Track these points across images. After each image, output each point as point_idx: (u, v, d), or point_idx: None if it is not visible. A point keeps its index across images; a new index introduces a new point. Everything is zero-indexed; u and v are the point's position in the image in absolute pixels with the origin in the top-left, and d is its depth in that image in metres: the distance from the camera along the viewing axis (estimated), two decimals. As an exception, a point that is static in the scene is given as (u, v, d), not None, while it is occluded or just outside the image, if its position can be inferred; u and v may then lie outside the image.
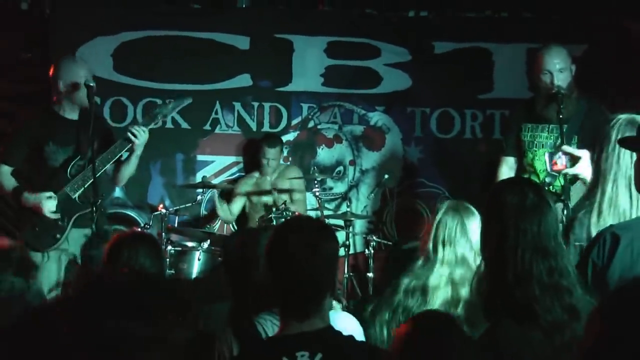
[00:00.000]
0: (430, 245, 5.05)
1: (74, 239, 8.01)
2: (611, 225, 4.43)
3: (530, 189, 3.94)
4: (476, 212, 5.07)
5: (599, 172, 4.75)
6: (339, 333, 3.78)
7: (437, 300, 4.86)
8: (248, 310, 4.88)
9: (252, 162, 10.95)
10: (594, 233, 4.58)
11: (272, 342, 3.89)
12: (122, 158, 8.21)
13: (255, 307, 4.68)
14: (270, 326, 4.33)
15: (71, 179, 8.01)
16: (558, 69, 7.71)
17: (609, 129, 4.78)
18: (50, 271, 7.70)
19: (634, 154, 4.51)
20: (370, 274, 9.74)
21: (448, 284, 4.87)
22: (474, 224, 4.97)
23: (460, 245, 4.99)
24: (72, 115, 8.19)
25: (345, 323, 4.32)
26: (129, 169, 8.34)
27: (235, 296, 5.36)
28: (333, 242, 3.85)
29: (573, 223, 4.82)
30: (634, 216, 4.66)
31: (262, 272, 5.22)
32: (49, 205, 7.85)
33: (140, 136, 8.00)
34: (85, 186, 7.95)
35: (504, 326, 3.72)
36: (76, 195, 7.99)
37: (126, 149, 8.12)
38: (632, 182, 4.59)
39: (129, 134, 8.02)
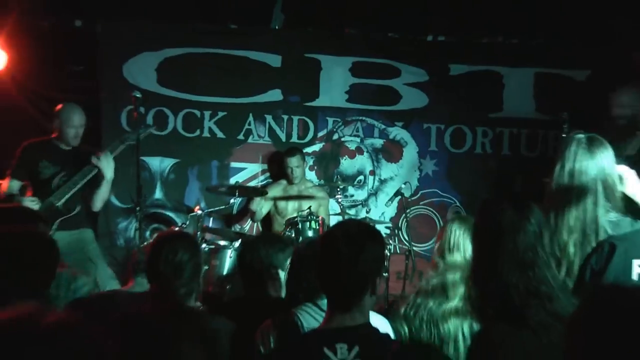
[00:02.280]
0: (447, 250, 5.03)
1: (61, 240, 8.25)
2: (610, 236, 4.51)
3: (509, 207, 3.90)
4: None
5: None
6: (377, 330, 3.80)
7: (457, 295, 4.83)
8: (286, 303, 5.02)
9: (277, 171, 11.00)
10: None
11: (314, 334, 3.91)
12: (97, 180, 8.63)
13: (294, 300, 4.82)
14: (308, 317, 4.41)
15: (56, 190, 8.54)
16: None
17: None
18: None
19: None
20: (385, 274, 9.69)
21: (462, 282, 4.79)
22: None
23: (468, 250, 4.81)
24: (66, 147, 8.78)
25: (377, 321, 4.23)
26: (100, 193, 8.73)
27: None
28: (378, 245, 3.83)
29: None
30: None
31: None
32: (31, 206, 8.20)
33: (101, 161, 8.49)
34: (69, 195, 8.51)
35: (497, 327, 3.72)
36: (59, 203, 8.50)
37: (93, 172, 8.57)
38: None
39: (92, 160, 8.52)
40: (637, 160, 7.10)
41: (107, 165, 8.49)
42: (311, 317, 4.35)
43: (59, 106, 8.76)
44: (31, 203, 8.28)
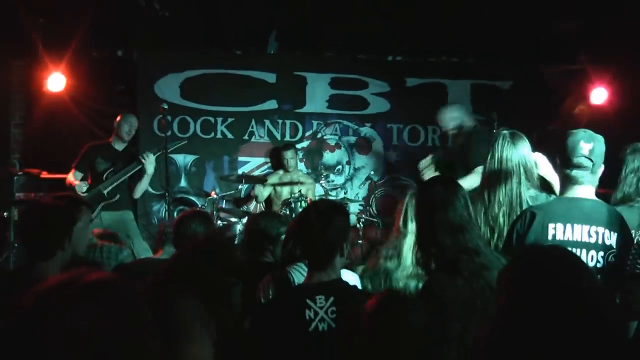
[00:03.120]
0: (401, 222, 4.91)
1: (104, 218, 8.75)
2: (530, 206, 4.56)
3: (441, 185, 4.01)
4: None
5: None
6: (347, 283, 3.90)
7: (408, 261, 4.75)
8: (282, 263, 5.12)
9: (277, 162, 11.01)
10: None
11: (298, 288, 4.01)
12: (140, 172, 8.82)
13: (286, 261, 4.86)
14: (298, 274, 4.38)
15: (105, 181, 8.78)
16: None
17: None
18: None
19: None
20: (360, 241, 9.80)
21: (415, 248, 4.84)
22: None
23: None
24: (118, 146, 9.05)
25: (348, 277, 4.27)
26: (142, 185, 8.96)
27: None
28: (343, 217, 3.92)
29: None
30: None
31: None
32: (80, 186, 8.64)
33: (147, 159, 8.72)
34: (114, 185, 8.77)
35: (437, 278, 3.79)
36: (105, 190, 8.75)
37: (137, 168, 8.80)
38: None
39: (140, 157, 8.79)
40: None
41: (150, 163, 8.71)
42: (300, 274, 4.38)
43: (120, 115, 9.05)
44: (81, 184, 8.69)
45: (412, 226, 4.84)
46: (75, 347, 1.71)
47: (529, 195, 4.95)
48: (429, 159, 8.40)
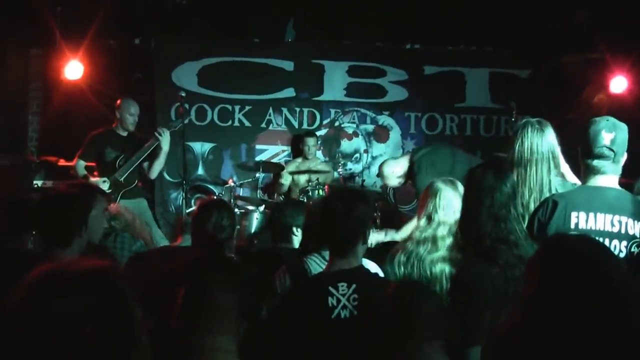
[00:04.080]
0: (432, 209, 4.86)
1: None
2: (552, 194, 4.56)
3: (490, 172, 3.97)
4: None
5: None
6: (368, 270, 3.93)
7: (444, 246, 4.73)
8: (298, 253, 5.07)
9: (295, 150, 11.06)
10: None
11: (321, 275, 3.97)
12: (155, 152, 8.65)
13: (305, 250, 4.86)
14: (314, 264, 4.42)
15: (119, 169, 8.60)
16: None
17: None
18: None
19: None
20: (378, 229, 9.67)
21: (450, 236, 4.73)
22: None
23: (457, 209, 4.61)
24: (123, 133, 8.80)
25: (368, 265, 4.27)
26: (158, 163, 8.75)
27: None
28: (365, 205, 3.90)
29: None
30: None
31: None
32: (104, 187, 8.36)
33: (162, 136, 8.54)
34: (129, 171, 8.58)
35: (473, 263, 3.82)
36: (122, 178, 8.57)
37: (154, 146, 8.57)
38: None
39: (156, 133, 8.58)
40: None
41: (165, 139, 8.56)
42: (316, 264, 4.38)
43: (119, 100, 8.88)
44: (103, 183, 8.45)
45: (443, 214, 4.85)
46: (61, 336, 1.71)
47: (557, 182, 4.96)
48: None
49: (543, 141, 4.95)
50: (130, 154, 8.68)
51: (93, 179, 8.50)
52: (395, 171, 7.88)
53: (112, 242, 5.88)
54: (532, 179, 4.91)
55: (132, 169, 8.65)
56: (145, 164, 8.79)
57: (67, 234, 4.13)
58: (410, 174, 7.75)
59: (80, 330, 1.71)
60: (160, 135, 8.54)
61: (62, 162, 9.71)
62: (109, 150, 8.72)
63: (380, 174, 8.19)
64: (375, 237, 6.88)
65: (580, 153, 4.37)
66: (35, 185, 9.60)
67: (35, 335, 1.70)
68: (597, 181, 4.30)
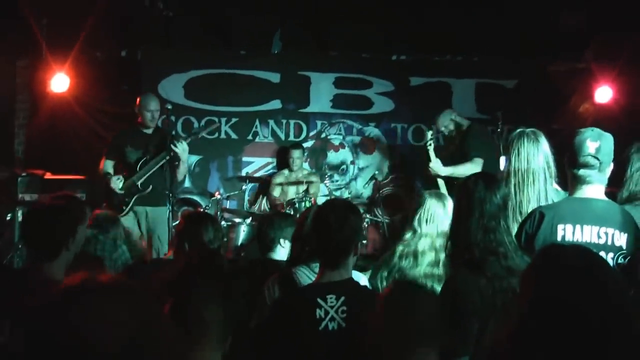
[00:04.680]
0: (416, 221, 4.93)
1: (140, 212, 8.57)
2: (540, 206, 4.54)
3: (481, 182, 3.96)
4: (450, 198, 5.01)
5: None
6: (358, 283, 3.91)
7: (425, 261, 4.78)
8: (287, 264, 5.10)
9: (281, 162, 11.03)
10: None
11: (310, 287, 3.97)
12: (174, 160, 8.40)
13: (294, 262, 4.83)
14: (303, 276, 4.35)
15: (138, 172, 8.49)
16: None
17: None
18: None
19: None
20: (365, 241, 9.71)
21: (432, 250, 4.79)
22: (451, 207, 4.75)
23: (440, 222, 4.87)
24: (147, 131, 8.67)
25: (357, 277, 4.14)
26: (181, 171, 8.58)
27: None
28: (358, 216, 3.94)
29: None
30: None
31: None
32: (116, 184, 8.43)
33: (178, 147, 8.30)
34: (146, 176, 8.43)
35: (461, 274, 3.82)
36: (139, 182, 8.46)
37: (166, 158, 8.36)
38: None
39: (172, 145, 8.32)
40: None
41: (182, 150, 8.34)
42: (305, 276, 4.36)
43: (138, 99, 8.74)
44: (117, 181, 8.46)
45: (427, 228, 4.90)
46: (98, 346, 1.71)
47: (553, 192, 4.97)
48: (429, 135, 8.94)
49: (539, 151, 4.96)
50: (153, 155, 8.56)
51: (110, 177, 8.50)
52: (451, 118, 9.31)
53: (93, 247, 5.83)
54: (529, 189, 4.91)
55: (148, 174, 8.49)
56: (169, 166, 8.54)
57: (55, 247, 4.10)
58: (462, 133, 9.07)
59: (106, 346, 1.71)
60: (175, 148, 8.32)
61: (48, 175, 9.65)
62: (130, 150, 8.63)
63: (437, 121, 9.38)
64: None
65: (567, 163, 4.38)
66: (22, 199, 9.53)
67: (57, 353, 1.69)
68: (584, 192, 4.30)
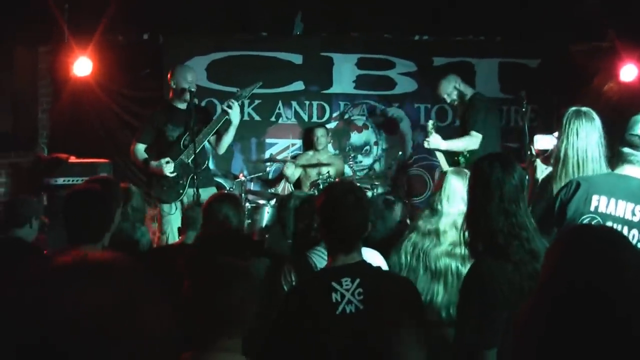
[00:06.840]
0: (437, 197, 4.92)
1: (189, 194, 7.97)
2: (579, 177, 4.62)
3: (497, 164, 3.82)
4: None
5: None
6: (371, 264, 3.82)
7: (447, 240, 4.75)
8: (303, 247, 5.08)
9: (305, 143, 11.09)
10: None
11: (324, 271, 3.95)
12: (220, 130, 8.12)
13: (307, 245, 4.84)
14: (318, 258, 4.41)
15: (184, 149, 8.03)
16: None
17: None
18: (178, 218, 7.49)
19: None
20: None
21: (453, 228, 4.72)
22: None
23: (462, 199, 4.66)
24: (182, 105, 8.13)
25: (371, 256, 4.31)
26: (227, 138, 8.17)
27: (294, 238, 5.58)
28: (366, 199, 3.88)
29: None
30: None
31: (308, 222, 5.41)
32: (168, 167, 7.92)
33: (232, 108, 7.93)
34: (197, 151, 7.89)
35: (486, 261, 3.70)
36: (189, 160, 7.97)
37: (223, 120, 8.03)
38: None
39: (225, 107, 8.01)
40: None
41: (235, 112, 7.94)
42: (321, 258, 4.36)
43: (170, 73, 8.28)
44: (167, 164, 7.92)
45: (447, 206, 4.88)
46: (85, 327, 1.69)
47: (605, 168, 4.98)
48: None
49: (594, 128, 4.94)
50: (197, 130, 7.97)
51: (154, 163, 8.03)
52: (452, 86, 9.22)
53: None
54: (588, 167, 4.89)
55: (200, 147, 8.04)
56: (212, 138, 8.24)
57: (98, 229, 4.23)
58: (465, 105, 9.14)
59: (104, 322, 1.70)
60: (230, 108, 7.96)
61: (72, 159, 9.68)
62: (171, 128, 8.15)
63: (438, 89, 9.41)
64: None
65: (618, 140, 4.44)
66: (46, 182, 9.53)
67: (55, 326, 1.68)
68: (624, 170, 4.41)
